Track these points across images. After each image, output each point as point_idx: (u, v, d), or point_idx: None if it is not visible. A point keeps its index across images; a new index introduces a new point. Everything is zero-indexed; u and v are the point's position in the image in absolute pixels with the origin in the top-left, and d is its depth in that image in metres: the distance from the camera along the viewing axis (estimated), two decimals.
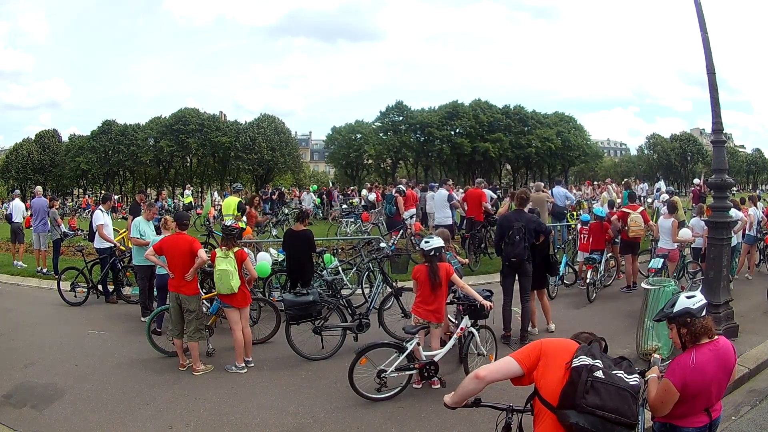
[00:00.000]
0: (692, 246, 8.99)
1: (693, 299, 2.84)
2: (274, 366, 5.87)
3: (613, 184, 18.96)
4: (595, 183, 27.29)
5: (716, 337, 2.82)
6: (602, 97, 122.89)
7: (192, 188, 32.05)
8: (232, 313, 5.76)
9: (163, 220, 6.69)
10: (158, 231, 7.79)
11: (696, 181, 21.76)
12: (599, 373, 1.97)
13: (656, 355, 3.07)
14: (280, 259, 8.22)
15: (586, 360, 2.03)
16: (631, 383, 1.99)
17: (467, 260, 9.38)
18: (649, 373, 2.93)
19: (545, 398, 2.10)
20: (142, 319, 7.28)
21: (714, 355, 2.74)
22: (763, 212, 10.68)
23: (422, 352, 5.03)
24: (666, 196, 13.13)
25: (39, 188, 12.79)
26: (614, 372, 2.01)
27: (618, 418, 1.91)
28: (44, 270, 10.89)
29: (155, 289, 7.34)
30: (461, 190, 16.89)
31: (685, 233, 8.39)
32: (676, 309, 2.83)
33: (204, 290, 6.43)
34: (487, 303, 5.13)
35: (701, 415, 2.80)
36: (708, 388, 2.74)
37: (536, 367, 2.17)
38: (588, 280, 8.35)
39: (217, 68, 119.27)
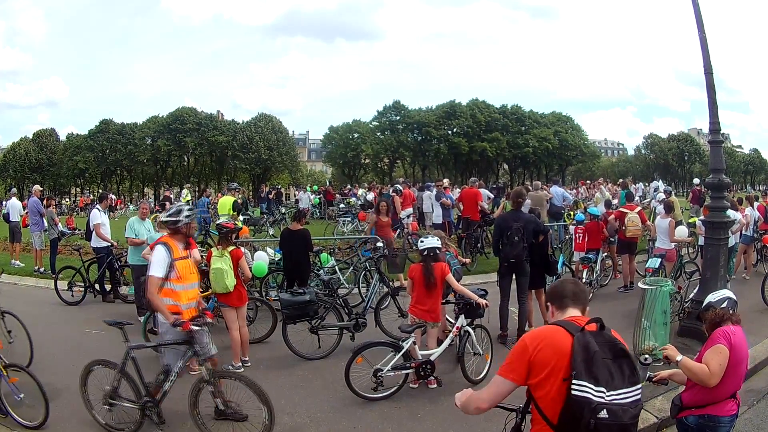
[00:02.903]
0: (698, 245, 9.05)
1: (716, 293, 3.07)
2: (270, 365, 5.86)
3: (609, 184, 18.98)
4: (588, 182, 27.28)
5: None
6: (600, 97, 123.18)
7: (190, 187, 32.04)
8: (228, 312, 5.74)
9: (158, 220, 6.67)
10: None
11: (696, 181, 21.80)
12: (603, 414, 1.87)
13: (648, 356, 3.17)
14: (277, 259, 8.21)
15: (588, 390, 1.90)
16: (634, 407, 1.93)
17: (469, 260, 9.38)
18: (672, 357, 2.96)
19: (544, 413, 2.06)
20: (139, 318, 7.26)
21: (743, 335, 2.94)
22: (757, 210, 10.69)
23: (418, 351, 5.03)
24: (662, 196, 13.15)
25: (37, 187, 12.76)
26: (619, 398, 1.91)
27: None
28: (41, 269, 10.86)
29: None
30: (458, 190, 16.90)
31: (681, 231, 8.39)
32: (704, 305, 3.02)
33: (200, 289, 6.40)
34: (482, 301, 5.13)
35: (731, 402, 2.92)
36: (742, 361, 2.88)
37: (529, 375, 2.10)
38: (584, 280, 8.34)
39: (214, 67, 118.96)
